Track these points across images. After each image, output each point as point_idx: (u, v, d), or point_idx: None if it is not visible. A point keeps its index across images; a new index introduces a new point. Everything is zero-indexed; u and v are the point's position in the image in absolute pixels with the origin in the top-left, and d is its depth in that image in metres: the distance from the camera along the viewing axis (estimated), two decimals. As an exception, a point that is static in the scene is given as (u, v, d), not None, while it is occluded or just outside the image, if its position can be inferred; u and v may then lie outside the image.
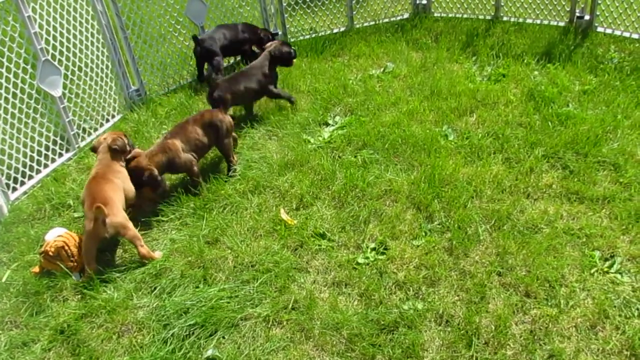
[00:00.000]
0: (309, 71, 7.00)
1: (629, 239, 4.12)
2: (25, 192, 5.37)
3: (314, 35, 7.87)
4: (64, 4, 5.74)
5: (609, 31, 6.89)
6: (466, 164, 5.06)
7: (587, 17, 7.00)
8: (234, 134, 5.50)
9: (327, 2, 8.04)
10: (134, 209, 4.75)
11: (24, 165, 5.42)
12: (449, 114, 5.82)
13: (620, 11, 6.75)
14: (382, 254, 4.21)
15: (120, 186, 4.50)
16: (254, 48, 7.34)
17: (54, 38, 5.61)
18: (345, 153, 5.41)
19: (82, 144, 6.00)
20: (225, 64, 7.13)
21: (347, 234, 4.43)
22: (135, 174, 4.69)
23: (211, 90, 5.77)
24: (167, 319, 3.81)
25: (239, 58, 7.56)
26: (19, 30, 5.32)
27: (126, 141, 4.81)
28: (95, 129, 6.24)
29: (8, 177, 5.25)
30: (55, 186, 5.35)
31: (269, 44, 6.36)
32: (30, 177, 5.48)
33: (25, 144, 5.43)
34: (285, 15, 7.88)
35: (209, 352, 3.55)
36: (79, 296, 4.13)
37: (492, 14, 7.66)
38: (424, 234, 4.36)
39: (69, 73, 5.82)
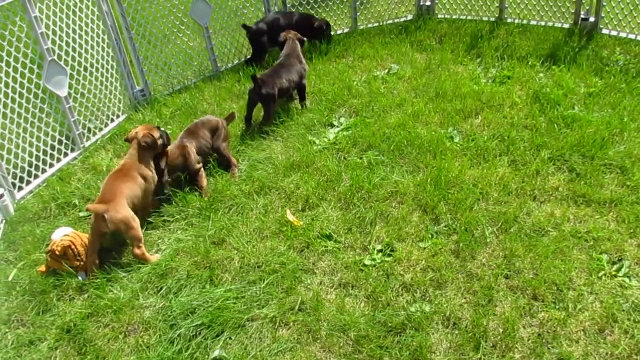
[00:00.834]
0: (314, 72, 6.99)
1: (637, 242, 4.12)
2: (31, 192, 5.37)
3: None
4: (70, 4, 5.74)
5: (614, 33, 6.90)
6: (472, 166, 5.06)
7: (592, 19, 7.01)
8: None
9: (330, 3, 8.05)
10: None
11: (30, 165, 5.42)
12: (455, 116, 5.82)
13: (626, 13, 6.76)
14: (389, 256, 4.20)
15: (138, 183, 4.54)
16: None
17: (60, 38, 5.62)
18: (350, 155, 5.40)
19: (87, 144, 6.00)
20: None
21: (354, 236, 4.42)
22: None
23: (258, 87, 5.80)
24: (174, 319, 3.81)
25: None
26: (25, 31, 5.33)
27: (158, 135, 4.81)
28: (101, 129, 6.24)
29: (14, 177, 5.25)
30: (60, 186, 5.35)
31: (283, 34, 6.59)
32: (36, 176, 5.48)
33: (32, 143, 5.43)
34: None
35: (216, 353, 3.54)
36: (86, 296, 4.13)
37: (497, 15, 7.66)
38: (430, 236, 4.36)
39: (74, 73, 5.82)
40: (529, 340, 3.47)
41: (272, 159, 5.42)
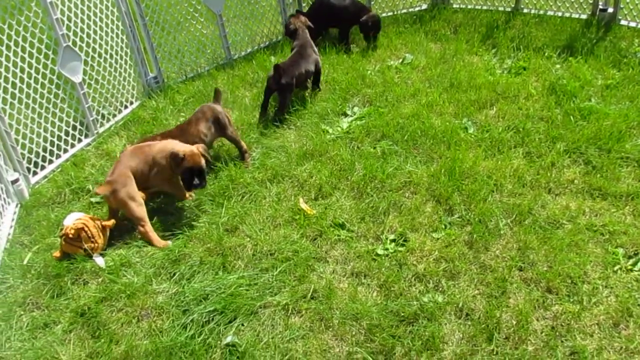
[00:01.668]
0: (327, 61, 6.96)
1: (653, 236, 4.08)
2: (45, 177, 5.40)
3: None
4: (86, -11, 5.75)
5: (632, 24, 6.80)
6: (486, 157, 5.02)
7: (610, 10, 6.92)
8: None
9: (345, -9, 7.98)
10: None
11: (45, 150, 5.45)
12: (469, 106, 5.78)
13: (645, 4, 6.67)
14: (402, 245, 4.19)
15: (152, 164, 4.61)
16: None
17: (75, 24, 5.62)
18: (364, 144, 5.38)
19: (100, 130, 6.02)
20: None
21: (367, 225, 4.41)
22: None
23: (278, 76, 5.79)
24: (187, 304, 3.83)
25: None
26: (41, 17, 5.33)
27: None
28: (114, 115, 6.26)
29: (29, 161, 5.28)
30: (74, 171, 5.37)
31: (292, 20, 6.64)
32: (50, 161, 5.51)
33: (46, 128, 5.46)
34: (303, 4, 7.84)
35: (229, 339, 3.56)
36: (99, 279, 4.15)
37: (512, 5, 7.59)
38: (443, 226, 4.34)
39: (89, 59, 5.84)
40: (542, 333, 3.46)
41: (285, 147, 5.42)
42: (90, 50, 5.83)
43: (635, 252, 3.95)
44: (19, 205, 5.07)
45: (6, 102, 4.99)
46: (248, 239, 4.36)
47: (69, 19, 5.54)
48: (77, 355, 3.62)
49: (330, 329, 3.61)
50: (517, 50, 6.78)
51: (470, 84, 6.13)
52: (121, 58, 6.28)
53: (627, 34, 6.73)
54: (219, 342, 3.57)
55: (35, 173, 5.35)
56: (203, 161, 4.55)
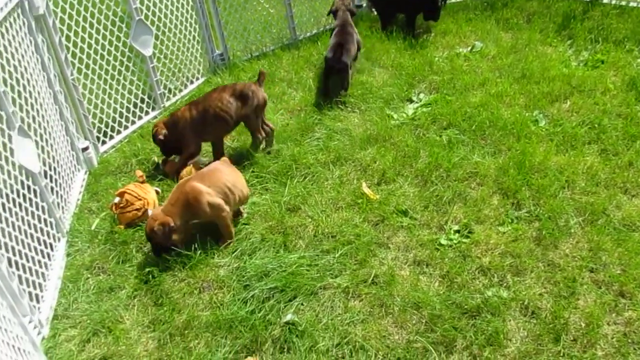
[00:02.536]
0: (394, 46, 6.84)
1: None
2: (113, 146, 5.53)
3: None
4: (160, -37, 5.81)
5: None
6: (558, 152, 4.84)
7: (698, 6, 6.54)
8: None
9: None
10: None
11: (114, 120, 5.57)
12: (541, 98, 5.58)
13: None
14: (466, 237, 4.10)
15: None
16: None
17: (148, -2, 5.71)
18: (429, 131, 5.28)
19: (167, 104, 6.11)
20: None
21: (430, 214, 4.33)
22: None
23: (339, 54, 5.85)
24: (248, 280, 3.85)
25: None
26: (116, -11, 5.43)
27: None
28: (180, 90, 6.34)
29: (99, 131, 5.41)
30: (141, 142, 5.48)
31: (337, 1, 6.62)
32: (119, 132, 5.63)
33: (116, 100, 5.58)
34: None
35: (288, 317, 3.56)
36: (163, 251, 4.23)
37: (591, -4, 7.26)
38: (510, 220, 4.22)
39: (159, 33, 5.91)
40: (612, 338, 3.32)
41: (348, 130, 5.37)
42: (160, 25, 5.91)
43: None
44: (87, 173, 5.21)
45: (80, 72, 5.11)
46: (309, 219, 4.35)
47: (143, -7, 5.63)
48: (140, 321, 3.71)
49: (390, 316, 3.57)
50: (594, 43, 6.49)
51: (543, 76, 5.92)
52: (190, 34, 6.34)
53: None
54: (278, 319, 3.58)
55: (104, 142, 5.49)
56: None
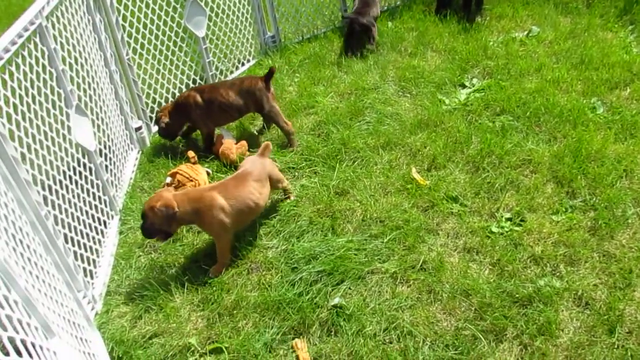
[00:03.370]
0: (447, 29, 6.71)
1: None
2: (165, 127, 5.62)
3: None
4: (214, -55, 5.83)
5: None
6: (616, 140, 4.67)
7: None
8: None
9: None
10: None
11: (166, 101, 5.65)
12: (599, 85, 5.37)
13: None
14: (519, 225, 4.00)
15: None
16: None
17: (202, -21, 5.74)
18: (481, 117, 5.17)
19: (218, 85, 6.16)
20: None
21: (481, 201, 4.25)
22: None
23: (364, 15, 6.22)
24: (296, 262, 3.87)
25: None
26: (172, -31, 5.49)
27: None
28: (231, 72, 6.39)
29: (152, 111, 5.51)
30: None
31: None
32: (171, 112, 5.71)
33: (169, 80, 5.65)
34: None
35: (336, 300, 3.56)
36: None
37: (657, -21, 6.93)
38: (564, 209, 4.10)
39: (212, 15, 5.95)
40: (671, 332, 3.20)
41: (399, 114, 5.30)
42: (214, 6, 5.95)
43: None
44: (140, 152, 5.31)
45: (135, 52, 5.20)
46: (358, 203, 4.33)
47: (197, -26, 5.66)
48: (189, 300, 3.77)
49: (439, 302, 3.53)
50: (658, 28, 6.22)
51: (603, 62, 5.70)
52: (242, 15, 6.37)
53: None
54: (326, 302, 3.58)
55: (156, 122, 5.58)
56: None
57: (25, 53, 3.44)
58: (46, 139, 3.63)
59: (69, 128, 3.93)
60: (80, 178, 4.06)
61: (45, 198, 3.41)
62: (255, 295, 3.70)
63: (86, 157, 4.16)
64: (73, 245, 3.71)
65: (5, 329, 1.81)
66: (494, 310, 3.39)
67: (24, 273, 2.41)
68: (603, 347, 3.16)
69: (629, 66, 5.59)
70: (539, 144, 4.74)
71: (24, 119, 3.34)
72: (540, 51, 6.14)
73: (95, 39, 4.62)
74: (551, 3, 7.08)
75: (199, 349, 3.44)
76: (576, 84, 5.46)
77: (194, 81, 5.94)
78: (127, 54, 5.06)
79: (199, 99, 5.02)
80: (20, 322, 1.97)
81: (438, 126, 5.08)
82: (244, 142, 5.02)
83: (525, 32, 6.58)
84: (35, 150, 3.45)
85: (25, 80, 3.42)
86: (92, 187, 4.22)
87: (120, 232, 4.45)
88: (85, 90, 4.27)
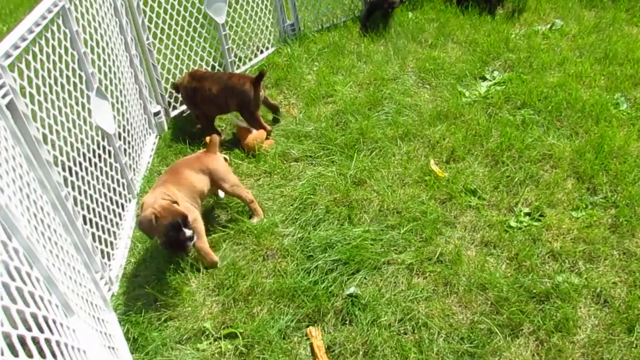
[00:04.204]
0: (468, 21, 6.65)
1: None
2: (182, 112, 5.63)
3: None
4: None
5: None
6: (640, 137, 4.61)
7: None
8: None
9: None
10: None
11: (185, 86, 5.65)
12: (624, 81, 5.30)
13: None
14: (537, 220, 3.96)
15: None
16: None
17: (224, -36, 5.72)
18: (502, 110, 5.11)
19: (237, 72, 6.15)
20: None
21: (500, 195, 4.21)
22: None
23: None
24: (312, 250, 3.86)
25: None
26: (192, -45, 5.47)
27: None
28: (250, 59, 6.37)
29: (170, 96, 5.51)
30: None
31: None
32: (189, 98, 5.71)
33: (188, 66, 5.65)
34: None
35: (351, 290, 3.56)
36: (228, 217, 4.28)
37: (685, -26, 6.79)
38: (584, 206, 4.05)
39: (232, 1, 5.93)
40: (691, 332, 3.16)
41: (418, 105, 5.26)
42: (234, -7, 5.93)
43: None
44: (158, 137, 5.32)
45: (155, 37, 5.20)
46: (375, 194, 4.31)
47: (218, -40, 5.64)
48: (205, 284, 3.79)
49: (455, 295, 3.51)
50: (685, 24, 6.11)
51: (627, 57, 5.62)
52: (262, 2, 6.34)
53: None
54: (341, 291, 3.57)
55: (174, 108, 5.59)
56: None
57: (49, 35, 3.45)
58: (67, 121, 3.64)
59: (89, 111, 3.94)
60: (100, 161, 4.08)
61: (65, 179, 3.43)
62: (270, 282, 3.70)
63: (106, 140, 4.18)
64: (91, 227, 3.73)
65: (28, 305, 1.82)
66: (511, 305, 3.37)
67: (45, 252, 2.43)
68: (621, 345, 3.13)
69: (654, 62, 5.51)
70: (560, 138, 4.68)
71: (46, 100, 3.36)
72: (563, 45, 6.06)
73: (116, 22, 4.62)
74: (575, -4, 6.98)
75: (214, 333, 3.45)
76: (599, 79, 5.39)
77: (213, 67, 5.93)
78: (148, 39, 5.06)
79: (188, 83, 5.12)
80: (42, 299, 1.99)
81: (457, 118, 5.04)
82: (263, 132, 5.00)
83: (548, 25, 6.49)
84: (57, 131, 3.46)
85: (48, 61, 3.43)
86: (111, 170, 4.23)
87: (137, 216, 4.46)
88: (105, 74, 4.27)
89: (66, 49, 3.69)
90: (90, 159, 3.93)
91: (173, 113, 5.53)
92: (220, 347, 3.36)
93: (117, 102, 4.46)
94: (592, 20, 6.46)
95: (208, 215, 4.31)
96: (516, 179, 4.31)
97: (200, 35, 5.70)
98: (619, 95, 5.12)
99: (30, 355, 1.72)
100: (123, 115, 4.57)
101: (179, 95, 5.40)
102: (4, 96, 2.72)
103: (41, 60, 3.33)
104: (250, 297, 3.64)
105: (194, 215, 3.85)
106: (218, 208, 4.39)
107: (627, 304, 3.32)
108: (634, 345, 3.12)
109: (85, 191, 3.77)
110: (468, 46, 6.20)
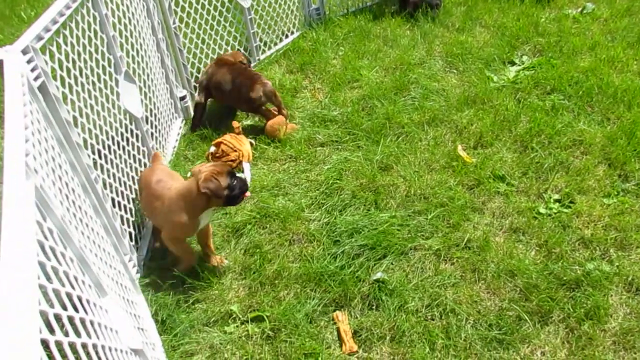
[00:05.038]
0: (497, 5, 6.54)
1: None
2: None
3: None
4: None
5: None
6: (674, 123, 4.50)
7: None
8: None
9: None
10: None
11: (210, 71, 5.65)
12: (657, 66, 5.18)
13: None
14: (567, 207, 3.90)
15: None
16: None
17: (250, -52, 5.68)
18: (531, 96, 5.03)
19: (262, 57, 6.14)
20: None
21: (529, 181, 4.15)
22: None
23: None
24: (338, 235, 3.85)
25: None
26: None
27: (225, 184, 3.54)
28: (275, 44, 6.34)
29: (196, 80, 5.51)
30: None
31: None
32: (215, 82, 5.71)
33: (213, 50, 5.64)
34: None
35: (378, 275, 3.54)
36: (255, 201, 4.29)
37: None
38: (616, 193, 3.98)
39: (258, -15, 5.91)
40: None
41: (445, 90, 5.20)
42: (260, -24, 5.90)
43: None
44: (184, 121, 5.34)
45: (182, 21, 5.20)
46: (402, 179, 4.28)
47: (244, -57, 5.60)
48: (231, 268, 3.80)
49: (483, 281, 3.48)
50: None
51: (661, 41, 5.48)
52: (287, -14, 6.30)
53: None
54: (368, 276, 3.56)
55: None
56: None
57: (79, 18, 3.46)
58: (96, 104, 3.66)
59: (117, 94, 3.96)
60: (128, 144, 4.10)
61: (95, 162, 3.46)
62: (297, 267, 3.71)
63: (133, 123, 4.20)
64: (120, 210, 3.77)
65: (63, 285, 1.84)
66: (540, 292, 3.33)
67: (77, 233, 2.45)
68: (653, 334, 3.08)
69: (689, 47, 5.36)
70: (591, 124, 4.60)
71: (76, 83, 3.38)
72: (595, 29, 5.93)
73: (143, 6, 4.62)
74: (608, -21, 6.81)
75: (241, 316, 3.47)
76: (632, 64, 5.27)
77: (239, 52, 5.92)
78: (174, 22, 5.05)
79: (215, 64, 5.18)
80: (76, 279, 2.01)
81: (485, 104, 4.97)
82: (281, 117, 4.96)
83: (579, 9, 6.36)
84: (87, 114, 3.48)
85: (78, 44, 3.44)
86: (138, 153, 4.26)
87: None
88: (133, 57, 4.28)
89: (95, 32, 3.70)
90: (118, 142, 3.96)
91: (198, 98, 5.53)
92: (247, 331, 3.37)
93: (145, 86, 4.47)
94: (625, 3, 6.31)
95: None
96: (546, 165, 4.24)
97: (226, 20, 5.69)
98: (653, 80, 5.00)
99: (66, 334, 1.74)
100: (150, 99, 4.59)
101: None
102: (36, 78, 2.74)
103: (71, 43, 3.35)
104: (276, 281, 3.64)
105: None
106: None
107: (660, 293, 3.26)
108: (667, 335, 3.07)
109: (113, 174, 3.80)
110: (496, 30, 6.10)
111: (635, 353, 3.01)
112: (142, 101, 4.31)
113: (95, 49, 3.69)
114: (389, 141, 4.65)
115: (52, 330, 1.57)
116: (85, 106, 3.49)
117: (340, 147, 4.72)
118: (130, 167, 4.10)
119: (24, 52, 2.74)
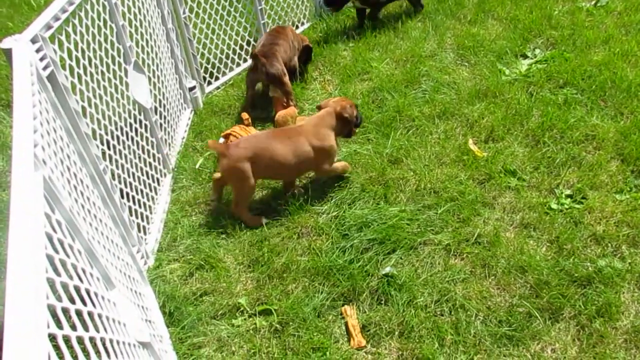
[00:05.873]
0: (509, -3, 6.46)
1: None
2: (217, 88, 5.61)
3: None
4: None
5: None
6: (689, 119, 4.43)
7: None
8: None
9: None
10: None
11: (220, 62, 5.63)
12: (672, 60, 5.10)
13: None
14: (579, 203, 3.86)
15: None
16: None
17: (260, -63, 5.63)
18: (543, 89, 4.97)
19: (271, 48, 6.09)
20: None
21: (541, 176, 4.10)
22: None
23: None
24: (347, 229, 3.82)
25: None
26: None
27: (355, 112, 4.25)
28: (285, 35, 6.29)
29: (205, 71, 5.49)
30: (245, 85, 5.50)
31: None
32: (224, 73, 5.70)
33: (224, 41, 5.62)
34: None
35: (387, 269, 3.51)
36: (263, 193, 4.26)
37: None
38: (629, 189, 3.92)
39: (268, -25, 5.87)
40: None
41: (456, 83, 5.15)
42: (270, -34, 5.85)
43: None
44: (193, 112, 5.32)
45: (192, 11, 5.17)
46: (412, 173, 4.24)
47: None
48: (240, 261, 3.79)
49: (493, 277, 3.44)
50: None
51: (677, 36, 5.40)
52: (298, -23, 6.25)
53: None
54: (376, 271, 3.54)
55: (209, 83, 5.57)
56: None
57: (88, 7, 3.44)
58: (105, 94, 3.64)
59: (126, 84, 3.94)
60: (136, 135, 4.08)
61: (103, 152, 3.44)
62: (305, 260, 3.68)
63: (142, 114, 4.18)
64: (128, 201, 3.75)
65: (71, 278, 1.83)
66: (551, 289, 3.29)
67: (85, 224, 2.44)
68: (666, 333, 3.04)
69: None
70: (604, 119, 4.54)
71: (85, 72, 3.36)
72: (609, 22, 5.85)
73: (153, -5, 4.60)
74: (622, -29, 6.70)
75: (248, 309, 3.45)
76: (646, 58, 5.19)
77: (248, 43, 5.89)
78: (184, 12, 5.02)
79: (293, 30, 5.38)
80: (84, 271, 1.99)
81: (497, 97, 4.92)
82: (293, 109, 4.93)
83: (593, 2, 6.27)
84: (95, 104, 3.47)
85: (87, 34, 3.42)
86: (147, 144, 4.24)
87: (173, 191, 4.48)
88: (142, 47, 4.26)
89: (105, 21, 3.67)
90: (127, 133, 3.94)
91: (208, 88, 5.52)
92: (255, 324, 3.36)
93: (154, 76, 4.45)
94: (640, -4, 6.20)
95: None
96: (557, 160, 4.19)
97: (236, 10, 5.65)
98: (667, 75, 4.93)
99: (73, 327, 1.72)
100: (159, 89, 4.56)
101: None
102: (45, 68, 2.72)
103: (80, 32, 3.33)
104: (285, 275, 3.62)
105: None
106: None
107: (673, 291, 3.21)
108: (680, 334, 3.03)
109: (122, 165, 3.78)
110: (509, 23, 6.03)
111: (647, 352, 2.98)
112: (151, 92, 4.29)
113: (105, 38, 3.67)
114: (399, 134, 4.61)
115: (59, 325, 1.55)
116: (94, 96, 3.47)
117: (349, 139, 4.68)
118: (139, 158, 4.09)
119: (33, 41, 2.71)
